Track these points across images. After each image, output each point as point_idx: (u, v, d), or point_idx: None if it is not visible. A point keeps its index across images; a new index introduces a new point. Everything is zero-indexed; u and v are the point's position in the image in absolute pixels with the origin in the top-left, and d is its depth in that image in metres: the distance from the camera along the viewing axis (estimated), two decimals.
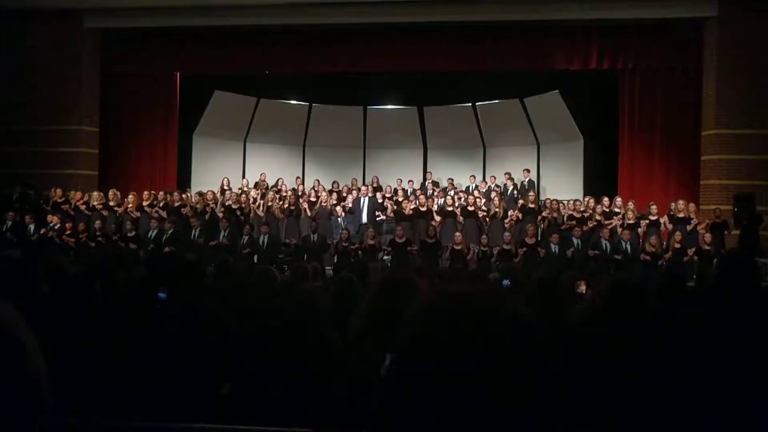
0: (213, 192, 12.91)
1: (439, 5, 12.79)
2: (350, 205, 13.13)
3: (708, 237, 10.92)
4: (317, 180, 14.52)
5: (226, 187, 13.57)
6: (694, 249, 10.79)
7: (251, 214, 12.58)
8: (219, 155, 15.64)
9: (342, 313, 3.25)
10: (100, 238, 11.55)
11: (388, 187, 14.26)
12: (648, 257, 10.80)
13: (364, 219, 12.86)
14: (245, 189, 13.89)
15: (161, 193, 12.74)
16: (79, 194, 12.66)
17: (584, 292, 4.54)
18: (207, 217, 12.14)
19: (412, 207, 12.34)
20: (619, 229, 11.44)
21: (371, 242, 11.19)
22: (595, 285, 2.96)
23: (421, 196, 12.76)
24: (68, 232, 11.69)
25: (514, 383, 0.81)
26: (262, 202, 13.00)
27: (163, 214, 12.13)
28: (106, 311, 3.16)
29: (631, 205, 11.79)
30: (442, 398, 0.81)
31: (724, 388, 2.27)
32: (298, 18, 13.31)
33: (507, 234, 11.29)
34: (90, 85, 14.22)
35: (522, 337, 0.84)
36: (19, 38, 13.77)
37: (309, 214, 12.61)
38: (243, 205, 12.49)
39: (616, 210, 11.93)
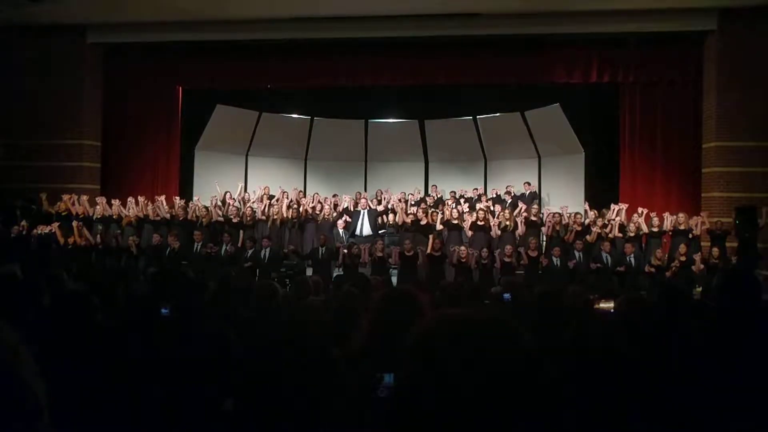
0: (215, 200, 12.97)
1: (439, 20, 12.86)
2: (349, 218, 13.08)
3: (716, 251, 10.87)
4: (317, 193, 14.51)
5: (228, 200, 13.52)
6: (699, 256, 10.70)
7: (254, 227, 12.56)
8: (221, 169, 15.66)
9: (343, 328, 3.24)
10: (101, 248, 11.61)
11: (392, 198, 14.22)
12: (653, 269, 10.78)
13: (366, 231, 12.82)
14: (245, 200, 13.86)
15: (166, 206, 12.75)
16: (81, 208, 12.68)
17: (599, 307, 4.51)
18: (209, 228, 12.17)
19: (411, 219, 12.31)
20: (619, 235, 11.42)
21: (380, 255, 11.18)
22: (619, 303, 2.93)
23: (419, 211, 12.66)
24: (71, 245, 11.72)
25: (515, 410, 0.81)
26: (265, 216, 12.97)
27: (166, 214, 12.19)
28: (107, 327, 3.16)
29: (635, 217, 11.72)
30: (443, 423, 0.80)
31: (727, 400, 2.27)
32: (299, 33, 13.39)
33: (508, 247, 11.25)
34: (92, 99, 14.31)
35: (523, 363, 0.84)
36: (22, 53, 13.88)
37: (318, 220, 12.63)
38: (247, 219, 12.46)
39: (617, 212, 11.91)
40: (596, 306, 4.56)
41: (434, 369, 0.85)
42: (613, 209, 11.96)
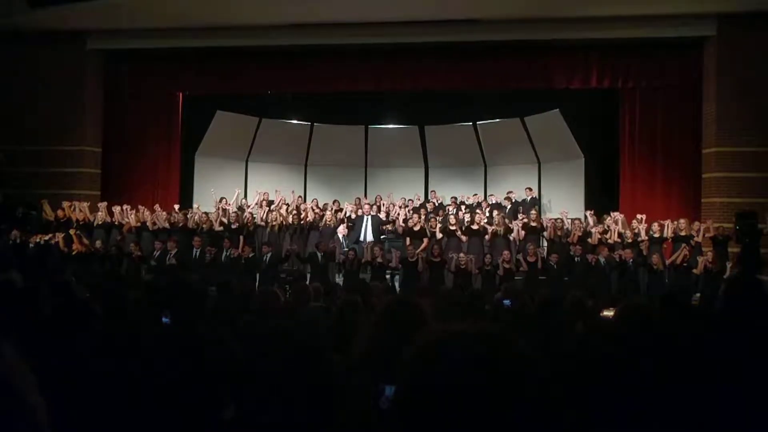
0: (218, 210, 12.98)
1: (439, 26, 12.88)
2: (347, 221, 13.07)
3: (710, 256, 10.87)
4: (316, 199, 14.52)
5: (225, 206, 13.50)
6: (702, 260, 10.69)
7: (253, 230, 12.57)
8: (221, 175, 15.67)
9: (344, 334, 3.24)
10: (100, 255, 11.61)
11: (391, 205, 14.21)
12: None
13: (369, 237, 12.81)
14: (243, 207, 13.86)
15: (165, 213, 12.74)
16: (82, 214, 12.68)
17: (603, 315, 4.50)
18: (209, 235, 12.17)
19: (411, 225, 12.32)
20: (618, 240, 11.43)
21: (380, 260, 11.20)
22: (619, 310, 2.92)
23: (414, 216, 12.66)
24: (74, 251, 11.72)
25: (516, 424, 0.81)
26: (264, 222, 12.97)
27: (165, 224, 12.17)
28: (107, 335, 3.15)
29: (634, 223, 11.74)
30: None
31: (730, 408, 2.26)
32: (299, 39, 13.41)
33: (506, 252, 11.27)
34: (93, 105, 14.33)
35: (523, 379, 0.84)
36: (23, 59, 13.90)
37: (319, 227, 12.66)
38: (248, 224, 12.46)
39: (617, 218, 11.92)
40: (601, 314, 4.56)
41: (433, 384, 0.84)
42: (613, 217, 11.96)
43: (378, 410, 1.47)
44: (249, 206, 13.78)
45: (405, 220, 12.50)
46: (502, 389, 0.83)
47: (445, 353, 0.88)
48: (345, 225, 12.91)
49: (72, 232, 11.95)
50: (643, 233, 11.43)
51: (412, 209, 13.83)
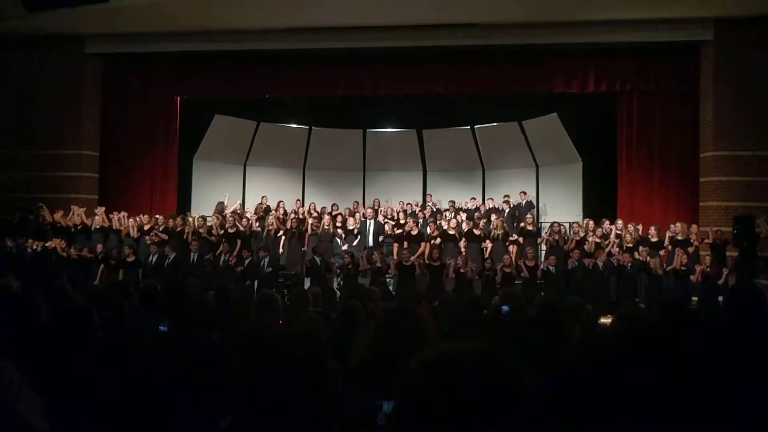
0: (218, 216, 12.95)
1: (438, 30, 12.90)
2: (351, 227, 13.06)
3: (707, 260, 10.88)
4: (313, 203, 14.51)
5: (226, 211, 13.49)
6: (699, 268, 10.70)
7: (251, 237, 12.56)
8: (219, 179, 15.66)
9: (344, 341, 3.23)
10: (100, 259, 11.59)
11: (389, 209, 14.19)
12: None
13: (370, 242, 12.80)
14: (242, 212, 13.85)
15: (161, 217, 12.73)
16: (79, 218, 12.66)
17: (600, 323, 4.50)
18: (211, 239, 12.15)
19: (408, 228, 12.32)
20: (617, 250, 11.42)
21: (379, 265, 11.20)
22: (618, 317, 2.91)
23: (411, 220, 12.67)
24: (73, 257, 11.69)
25: None
26: (261, 225, 12.96)
27: (163, 236, 12.12)
28: (105, 342, 3.14)
29: (630, 227, 11.80)
30: None
31: (730, 413, 2.26)
32: (297, 43, 13.42)
33: (507, 257, 11.27)
34: (91, 109, 14.33)
35: (519, 397, 0.84)
36: (21, 63, 13.91)
37: (310, 236, 12.64)
38: (243, 229, 12.45)
39: (617, 232, 11.89)
40: (599, 321, 4.56)
41: (432, 403, 0.84)
42: (611, 228, 11.96)
43: (375, 426, 1.46)
44: (247, 212, 13.76)
45: (402, 225, 12.51)
46: (497, 407, 0.83)
47: (442, 373, 0.88)
48: (343, 232, 12.89)
49: (64, 246, 11.90)
50: (628, 237, 11.43)
51: (410, 213, 13.82)
